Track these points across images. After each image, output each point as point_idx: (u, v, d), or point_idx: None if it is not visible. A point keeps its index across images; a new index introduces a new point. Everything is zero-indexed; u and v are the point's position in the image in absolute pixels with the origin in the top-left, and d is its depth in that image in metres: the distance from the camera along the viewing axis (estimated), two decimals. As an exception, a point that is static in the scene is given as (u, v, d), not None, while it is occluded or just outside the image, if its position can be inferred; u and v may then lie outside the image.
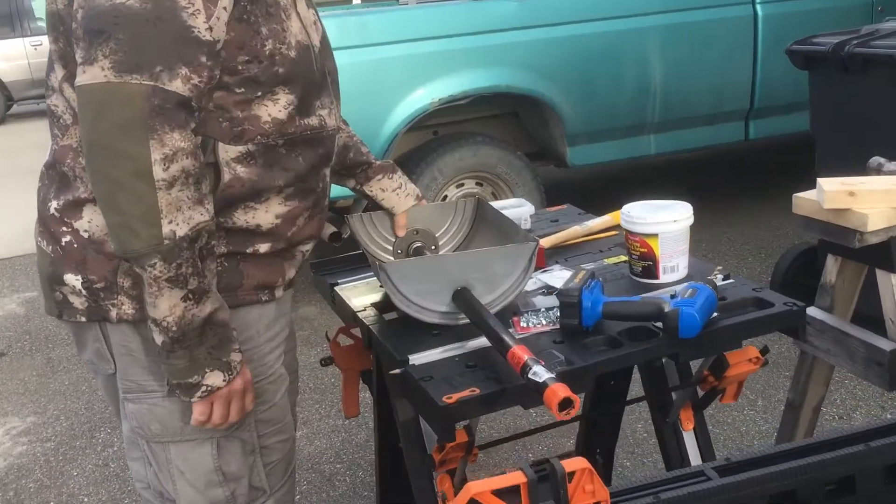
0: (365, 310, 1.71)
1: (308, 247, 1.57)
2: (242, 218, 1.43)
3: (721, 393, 1.72)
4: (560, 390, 1.16)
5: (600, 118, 4.15)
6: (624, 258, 1.83)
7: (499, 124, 4.34)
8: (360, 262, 1.96)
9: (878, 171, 1.91)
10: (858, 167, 1.92)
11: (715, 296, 1.46)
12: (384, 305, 1.74)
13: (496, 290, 1.57)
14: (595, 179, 5.49)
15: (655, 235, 1.64)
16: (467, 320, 1.55)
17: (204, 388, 1.37)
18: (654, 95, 4.20)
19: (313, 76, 1.46)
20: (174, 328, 1.32)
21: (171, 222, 1.28)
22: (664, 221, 1.64)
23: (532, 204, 2.14)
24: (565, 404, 1.16)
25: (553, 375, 1.21)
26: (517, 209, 2.05)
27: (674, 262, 1.67)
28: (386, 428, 1.88)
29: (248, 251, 1.45)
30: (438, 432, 1.35)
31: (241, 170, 1.39)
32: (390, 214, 1.82)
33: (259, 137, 1.39)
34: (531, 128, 4.35)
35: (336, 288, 1.84)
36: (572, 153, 4.19)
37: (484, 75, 3.87)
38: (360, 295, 1.79)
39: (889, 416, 2.80)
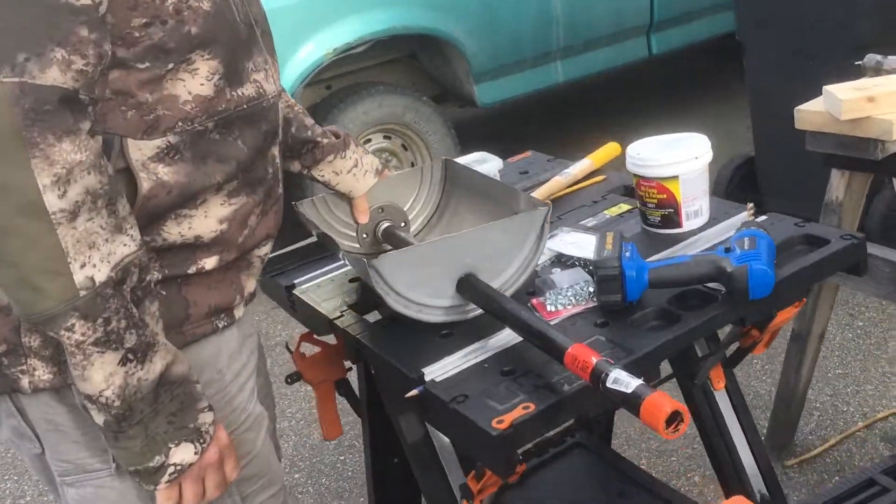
0: (342, 315, 1.40)
1: (266, 248, 1.24)
2: (175, 231, 1.09)
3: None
4: (664, 403, 0.90)
5: (506, 50, 3.87)
6: (626, 207, 1.58)
7: (396, 70, 4.00)
8: (313, 254, 1.64)
9: (878, 70, 1.71)
10: (792, 71, 1.73)
11: (773, 243, 1.23)
12: (363, 305, 1.43)
13: (506, 270, 1.29)
14: (501, 118, 5.22)
15: (675, 178, 1.40)
16: (478, 310, 1.28)
17: (172, 470, 1.03)
18: (556, 20, 3.94)
19: (237, 30, 1.11)
20: (117, 403, 0.98)
21: (84, 265, 0.93)
22: (684, 160, 1.39)
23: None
24: (674, 419, 0.90)
25: (642, 381, 0.95)
26: (483, 165, 1.76)
27: (697, 206, 1.43)
28: (379, 443, 1.59)
29: (190, 271, 1.12)
30: (493, 466, 1.08)
31: (163, 171, 1.05)
32: (348, 199, 1.50)
33: (181, 124, 1.05)
34: (432, 69, 4.03)
35: (295, 291, 1.52)
36: (480, 91, 3.90)
37: (378, 17, 3.50)
38: (329, 296, 1.48)
39: (860, 323, 2.71)
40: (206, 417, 1.06)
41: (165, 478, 1.03)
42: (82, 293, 0.93)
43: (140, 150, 1.03)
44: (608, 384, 0.96)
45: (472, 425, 1.05)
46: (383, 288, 1.23)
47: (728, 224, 1.43)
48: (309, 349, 1.65)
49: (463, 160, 1.78)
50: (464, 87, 3.91)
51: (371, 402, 1.50)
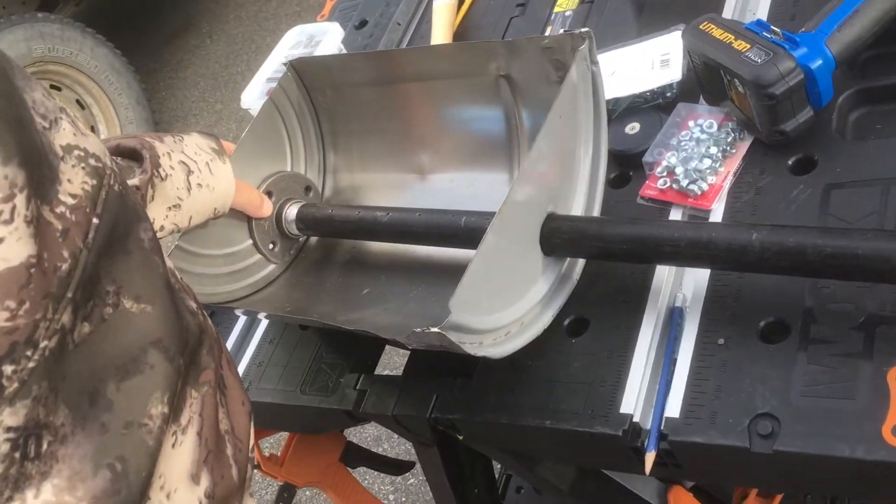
0: (363, 391, 0.80)
1: (250, 435, 0.60)
2: None
3: None
4: None
5: None
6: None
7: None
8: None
9: None
10: None
11: None
12: (367, 354, 0.83)
13: (579, 177, 0.76)
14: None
15: None
16: (579, 260, 0.76)
17: None
18: None
19: None
20: None
21: None
22: None
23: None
24: None
25: None
26: (319, 45, 1.11)
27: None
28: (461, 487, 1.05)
29: None
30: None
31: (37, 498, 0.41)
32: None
33: (10, 367, 0.38)
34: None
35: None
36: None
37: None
38: (296, 372, 0.85)
39: None
40: None
41: None
42: None
43: None
44: None
45: (835, 463, 0.56)
46: (474, 342, 0.65)
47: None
48: (276, 439, 1.04)
49: (283, 51, 1.12)
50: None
51: (453, 476, 0.93)
